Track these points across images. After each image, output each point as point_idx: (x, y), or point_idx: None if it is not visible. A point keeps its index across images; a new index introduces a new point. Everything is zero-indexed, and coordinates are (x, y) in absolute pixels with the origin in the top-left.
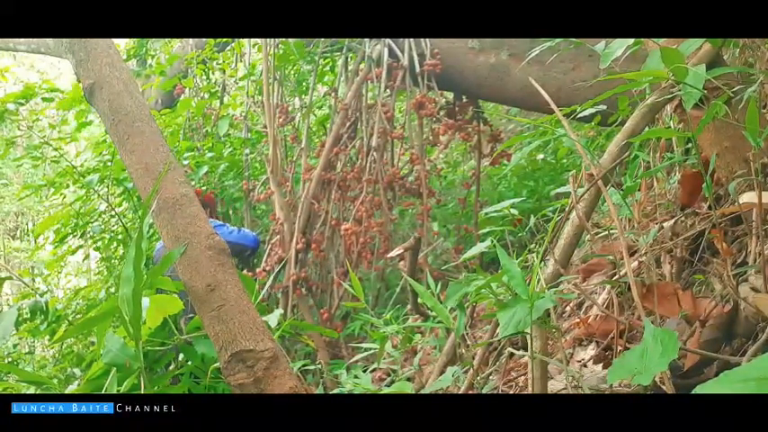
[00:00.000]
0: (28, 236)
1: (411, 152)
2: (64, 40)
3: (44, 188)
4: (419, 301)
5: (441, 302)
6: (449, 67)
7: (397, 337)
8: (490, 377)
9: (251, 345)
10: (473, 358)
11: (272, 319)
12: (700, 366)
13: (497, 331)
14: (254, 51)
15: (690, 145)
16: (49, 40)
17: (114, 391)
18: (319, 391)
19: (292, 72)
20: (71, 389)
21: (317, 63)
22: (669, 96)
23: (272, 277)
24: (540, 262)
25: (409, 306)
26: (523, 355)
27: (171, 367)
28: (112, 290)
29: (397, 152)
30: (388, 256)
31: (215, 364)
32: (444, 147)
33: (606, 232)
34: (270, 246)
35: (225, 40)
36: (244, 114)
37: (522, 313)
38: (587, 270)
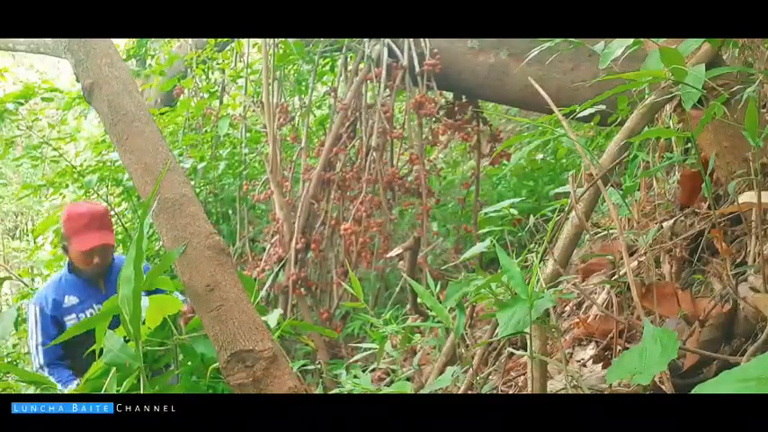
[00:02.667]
0: (27, 236)
1: (410, 152)
2: (63, 39)
3: (43, 188)
4: (418, 300)
5: (440, 302)
6: (448, 67)
7: (397, 337)
8: (489, 377)
9: (250, 345)
10: (472, 358)
11: (272, 319)
12: (699, 366)
13: (497, 331)
14: (253, 51)
15: (689, 145)
16: (49, 40)
17: (114, 392)
18: (319, 391)
19: (292, 72)
20: (70, 388)
21: (317, 63)
22: (668, 96)
23: (271, 277)
24: (540, 262)
25: (409, 306)
26: (523, 355)
27: (171, 367)
28: None
29: (397, 152)
30: (388, 255)
31: (215, 364)
32: (444, 147)
33: (606, 232)
34: (269, 246)
35: (224, 39)
36: (243, 114)
37: (521, 313)
38: (587, 270)
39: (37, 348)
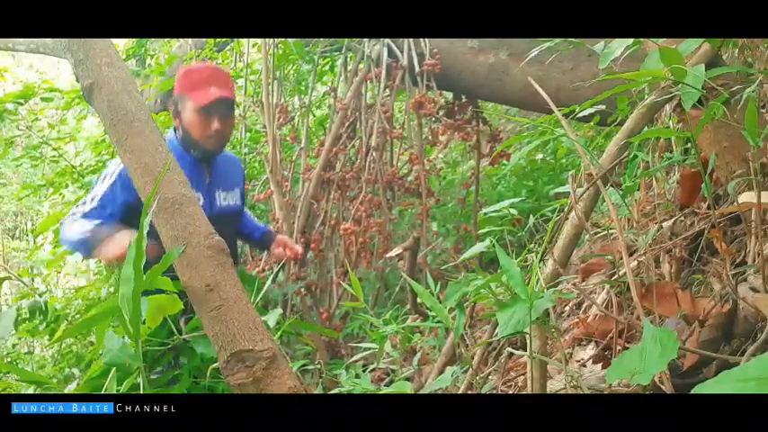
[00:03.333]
0: (27, 236)
1: (410, 152)
2: (62, 39)
3: (43, 188)
4: (418, 300)
5: (440, 302)
6: (448, 67)
7: (397, 337)
8: (489, 377)
9: (250, 345)
10: (472, 358)
11: (272, 318)
12: (699, 366)
13: (496, 331)
14: (253, 51)
15: (689, 145)
16: (48, 40)
17: (114, 392)
18: (319, 390)
19: (291, 72)
20: (70, 388)
21: (317, 63)
22: (668, 96)
23: (270, 277)
24: (540, 262)
25: (408, 306)
26: (522, 355)
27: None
28: (112, 290)
29: (397, 152)
30: (387, 255)
31: (215, 364)
32: (443, 147)
33: (605, 232)
34: None
35: (224, 39)
36: (243, 114)
37: (521, 313)
38: (586, 270)
39: (91, 200)
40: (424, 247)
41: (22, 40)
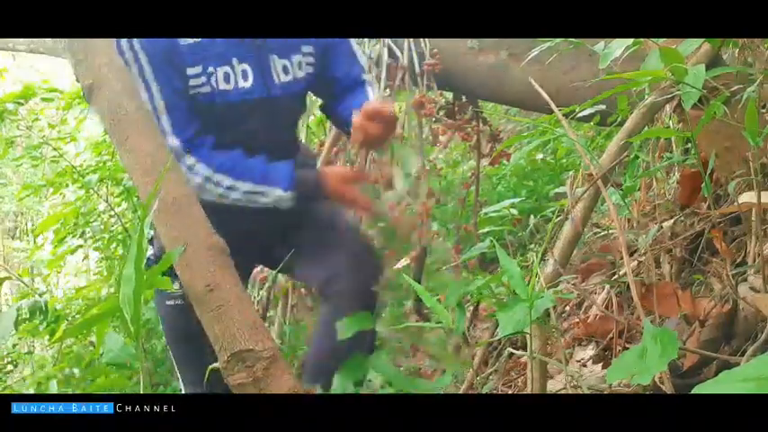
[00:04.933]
0: (27, 236)
1: None
2: (63, 39)
3: (43, 188)
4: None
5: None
6: (448, 67)
7: None
8: (490, 377)
9: (250, 345)
10: (473, 358)
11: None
12: (699, 366)
13: (497, 331)
14: None
15: (689, 145)
16: (49, 40)
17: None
18: (319, 391)
19: None
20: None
21: None
22: (668, 96)
23: (271, 277)
24: (540, 262)
25: (409, 305)
26: (523, 355)
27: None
28: (112, 290)
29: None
30: (394, 267)
31: (215, 364)
32: (444, 147)
33: (605, 232)
34: None
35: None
36: None
37: (521, 313)
38: (587, 270)
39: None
40: None
41: (22, 40)
